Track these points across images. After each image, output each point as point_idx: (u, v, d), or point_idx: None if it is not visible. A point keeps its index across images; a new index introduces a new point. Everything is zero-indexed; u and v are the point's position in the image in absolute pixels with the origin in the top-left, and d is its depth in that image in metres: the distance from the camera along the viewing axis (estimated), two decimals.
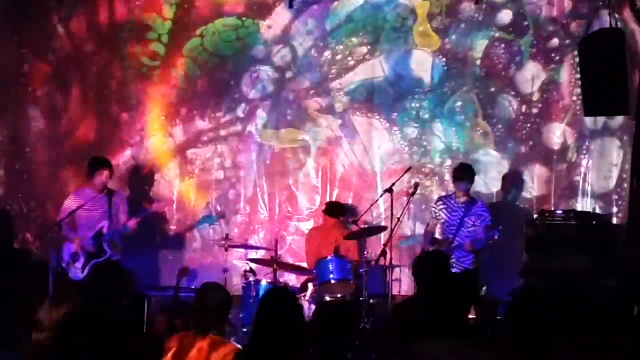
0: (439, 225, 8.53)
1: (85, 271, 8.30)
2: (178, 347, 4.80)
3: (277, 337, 4.02)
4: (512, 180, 9.29)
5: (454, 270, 8.13)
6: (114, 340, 3.70)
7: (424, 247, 8.46)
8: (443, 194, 9.03)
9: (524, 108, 9.28)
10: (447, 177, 9.32)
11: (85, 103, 10.17)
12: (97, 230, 8.35)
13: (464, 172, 8.45)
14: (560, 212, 8.61)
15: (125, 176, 9.93)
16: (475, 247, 8.17)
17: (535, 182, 9.27)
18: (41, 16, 10.20)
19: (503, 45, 9.34)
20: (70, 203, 8.52)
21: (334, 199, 9.46)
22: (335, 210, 9.04)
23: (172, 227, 9.92)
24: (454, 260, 8.11)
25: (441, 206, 8.48)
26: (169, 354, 4.83)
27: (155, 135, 10.03)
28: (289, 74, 9.80)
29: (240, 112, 9.90)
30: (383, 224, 9.14)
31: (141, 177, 9.99)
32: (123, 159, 9.99)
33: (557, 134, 9.19)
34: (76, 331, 3.68)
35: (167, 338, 5.10)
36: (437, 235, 8.49)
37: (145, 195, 9.85)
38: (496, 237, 8.04)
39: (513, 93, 9.31)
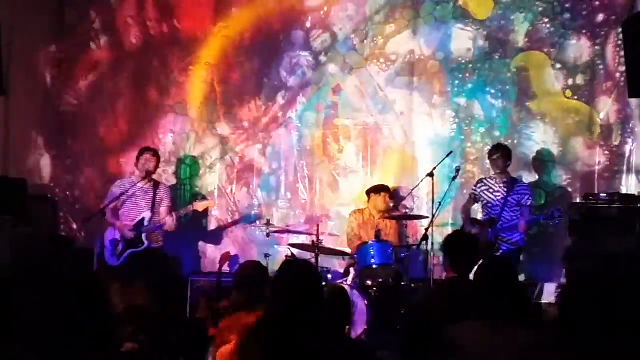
0: (480, 207, 8.56)
1: (122, 259, 8.47)
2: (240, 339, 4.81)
3: (294, 309, 3.96)
4: (555, 163, 9.19)
5: (503, 248, 8.14)
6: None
7: (466, 228, 8.48)
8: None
9: (567, 92, 9.15)
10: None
11: (128, 93, 10.26)
12: (139, 220, 8.50)
13: (497, 150, 8.47)
14: (605, 194, 8.51)
15: (168, 166, 10.03)
16: (530, 228, 8.22)
17: (579, 164, 9.15)
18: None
19: (547, 19, 9.20)
20: (115, 189, 8.68)
21: (375, 184, 9.43)
22: (380, 188, 9.02)
23: (215, 213, 9.98)
24: (501, 238, 8.27)
25: (482, 187, 8.54)
26: (231, 345, 4.83)
27: (196, 123, 10.09)
28: (328, 60, 9.78)
29: (280, 99, 9.91)
30: (425, 208, 9.13)
31: (185, 166, 10.06)
32: (166, 148, 10.07)
33: (601, 115, 9.07)
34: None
35: (210, 323, 5.14)
36: (479, 217, 8.50)
37: (188, 183, 9.96)
38: (557, 216, 8.04)
39: (559, 66, 9.17)
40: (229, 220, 9.98)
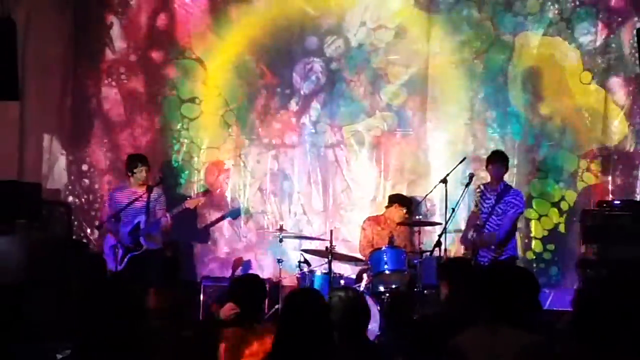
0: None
1: (123, 264, 8.56)
2: (233, 340, 4.82)
3: (303, 339, 3.95)
4: (569, 168, 9.17)
5: (482, 260, 8.09)
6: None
7: (464, 234, 8.51)
8: None
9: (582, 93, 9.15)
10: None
11: (143, 99, 10.28)
12: (134, 225, 8.57)
13: (495, 157, 8.41)
14: (618, 202, 8.49)
15: (179, 166, 10.07)
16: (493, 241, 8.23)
17: (592, 173, 9.12)
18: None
19: (562, 14, 9.25)
20: (118, 197, 8.77)
21: (388, 190, 9.44)
22: (405, 201, 9.01)
23: (227, 218, 9.98)
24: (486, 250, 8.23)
25: (479, 194, 8.45)
26: (222, 347, 4.85)
27: (210, 129, 10.10)
28: (342, 65, 9.78)
29: (293, 104, 9.91)
30: (437, 214, 9.12)
31: (196, 168, 10.08)
32: (179, 154, 10.09)
33: (615, 123, 9.04)
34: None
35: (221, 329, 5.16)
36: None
37: (200, 185, 9.99)
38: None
39: (573, 68, 9.17)
40: (241, 226, 9.96)
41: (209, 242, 9.96)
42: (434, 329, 5.04)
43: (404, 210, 8.94)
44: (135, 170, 8.74)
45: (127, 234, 8.61)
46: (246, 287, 5.30)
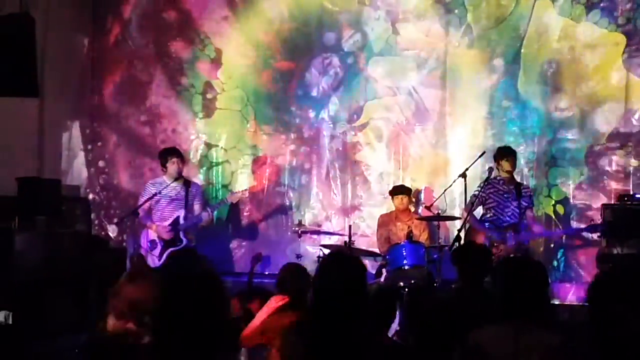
0: (484, 209, 8.44)
1: (163, 259, 8.43)
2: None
3: (338, 304, 3.89)
4: (588, 162, 9.11)
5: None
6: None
7: (486, 233, 8.35)
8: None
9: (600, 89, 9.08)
10: (522, 161, 9.16)
11: (162, 94, 10.31)
12: (174, 219, 8.48)
13: (510, 151, 8.41)
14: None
15: (197, 162, 10.09)
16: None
17: (613, 166, 9.05)
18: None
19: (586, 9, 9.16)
20: (147, 190, 8.64)
21: (407, 184, 9.40)
22: (399, 189, 9.01)
23: (246, 213, 10.00)
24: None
25: (490, 189, 8.35)
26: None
27: (229, 124, 10.12)
28: (360, 60, 9.76)
29: (312, 99, 9.90)
30: (457, 209, 9.08)
31: (214, 163, 10.10)
32: (198, 144, 10.11)
33: (636, 116, 8.97)
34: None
35: (242, 323, 5.17)
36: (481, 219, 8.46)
37: (219, 184, 10.00)
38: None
39: (593, 64, 9.09)
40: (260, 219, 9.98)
41: (227, 237, 10.00)
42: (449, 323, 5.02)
43: (403, 199, 8.90)
44: (167, 164, 8.56)
45: (167, 227, 8.46)
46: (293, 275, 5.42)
